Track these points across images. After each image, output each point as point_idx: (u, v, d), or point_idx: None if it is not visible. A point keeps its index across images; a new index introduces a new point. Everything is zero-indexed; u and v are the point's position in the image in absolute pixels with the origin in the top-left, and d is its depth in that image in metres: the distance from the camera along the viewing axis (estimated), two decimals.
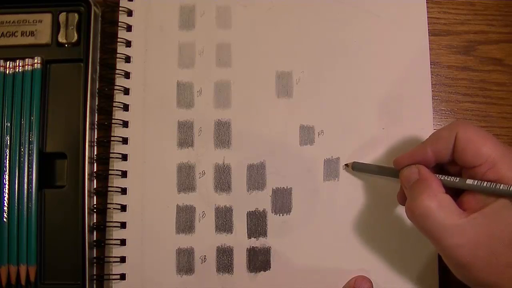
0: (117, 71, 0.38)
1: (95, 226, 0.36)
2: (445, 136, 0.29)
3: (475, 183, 0.28)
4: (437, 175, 0.30)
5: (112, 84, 0.38)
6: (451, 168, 0.31)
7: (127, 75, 0.38)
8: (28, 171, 0.36)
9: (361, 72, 0.38)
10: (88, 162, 0.36)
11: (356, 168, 0.36)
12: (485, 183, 0.27)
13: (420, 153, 0.30)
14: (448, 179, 0.29)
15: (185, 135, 0.38)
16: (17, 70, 0.37)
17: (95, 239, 0.36)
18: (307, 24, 0.39)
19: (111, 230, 0.36)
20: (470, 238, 0.26)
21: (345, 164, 0.36)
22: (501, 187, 0.26)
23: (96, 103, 0.38)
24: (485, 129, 0.38)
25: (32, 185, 0.36)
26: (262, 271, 0.36)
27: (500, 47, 0.39)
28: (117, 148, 0.37)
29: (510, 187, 0.26)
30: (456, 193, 0.29)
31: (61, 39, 0.38)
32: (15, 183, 0.36)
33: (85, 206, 0.35)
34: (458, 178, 0.29)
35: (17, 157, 0.36)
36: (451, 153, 0.29)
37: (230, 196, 0.37)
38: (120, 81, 0.38)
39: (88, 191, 0.36)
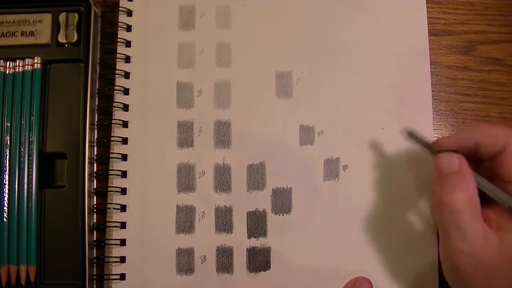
0: (117, 71, 0.38)
1: (95, 226, 0.36)
2: (500, 136, 0.27)
3: (507, 199, 0.26)
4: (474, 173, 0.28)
5: (112, 84, 0.38)
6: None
7: (127, 75, 0.38)
8: (28, 171, 0.36)
9: (361, 72, 0.38)
10: (88, 162, 0.36)
11: (412, 137, 0.32)
12: None
13: (466, 141, 0.28)
14: (482, 181, 0.27)
15: (185, 135, 0.38)
16: (17, 70, 0.37)
17: (95, 239, 0.36)
18: (307, 24, 0.39)
19: (111, 230, 0.36)
20: (479, 251, 0.25)
21: (407, 132, 0.32)
22: None
23: (96, 103, 0.38)
24: None
25: (32, 185, 0.36)
26: (262, 271, 0.36)
27: (500, 47, 0.39)
28: (117, 148, 0.37)
29: None
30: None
31: (61, 39, 0.38)
32: (15, 183, 0.36)
33: (85, 206, 0.35)
34: (492, 185, 0.27)
35: (17, 157, 0.36)
36: (493, 156, 0.27)
37: (230, 196, 0.37)
38: (120, 81, 0.38)
39: (88, 191, 0.36)
